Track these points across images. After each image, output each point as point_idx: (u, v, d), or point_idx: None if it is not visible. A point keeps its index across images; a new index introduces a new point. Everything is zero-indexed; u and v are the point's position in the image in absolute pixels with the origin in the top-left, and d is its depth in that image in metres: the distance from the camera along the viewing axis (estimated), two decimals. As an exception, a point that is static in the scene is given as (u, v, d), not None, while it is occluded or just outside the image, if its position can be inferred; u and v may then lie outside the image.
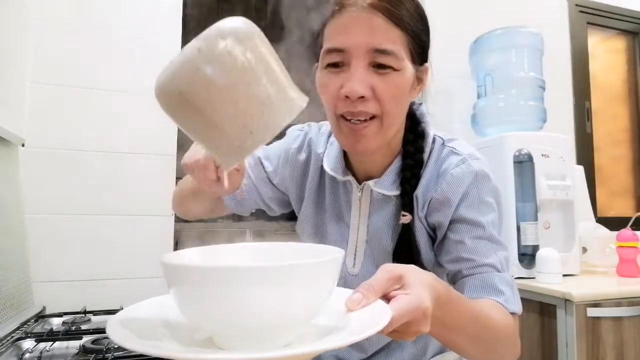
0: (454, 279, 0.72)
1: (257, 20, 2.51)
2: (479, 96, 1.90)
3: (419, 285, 0.45)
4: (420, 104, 0.79)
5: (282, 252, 0.51)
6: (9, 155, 1.28)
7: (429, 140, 0.75)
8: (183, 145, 1.84)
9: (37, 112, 1.45)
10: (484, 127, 1.86)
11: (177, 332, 0.42)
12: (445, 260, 0.72)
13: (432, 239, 0.75)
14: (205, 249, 0.52)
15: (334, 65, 0.64)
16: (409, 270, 0.47)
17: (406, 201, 0.71)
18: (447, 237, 0.71)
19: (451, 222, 0.71)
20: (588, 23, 2.46)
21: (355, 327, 0.40)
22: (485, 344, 0.60)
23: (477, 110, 1.90)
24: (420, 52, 0.67)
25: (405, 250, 0.71)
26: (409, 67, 0.65)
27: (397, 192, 0.73)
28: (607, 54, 2.63)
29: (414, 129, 0.75)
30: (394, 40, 0.62)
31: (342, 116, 0.65)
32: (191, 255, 0.48)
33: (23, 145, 1.40)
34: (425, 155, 0.73)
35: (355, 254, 0.78)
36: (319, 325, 0.44)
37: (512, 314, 0.66)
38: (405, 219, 0.70)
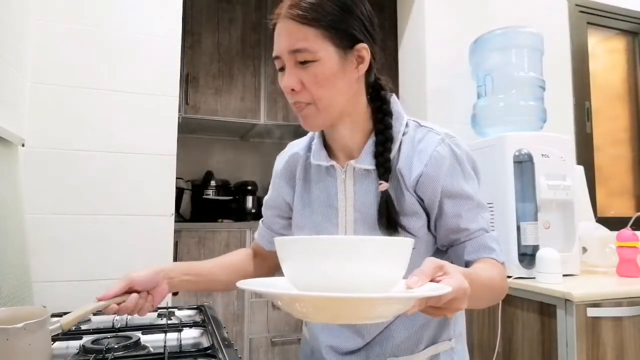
0: (452, 244, 0.83)
1: (257, 20, 2.52)
2: (479, 96, 1.90)
3: (457, 272, 0.57)
4: (392, 94, 0.88)
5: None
6: (9, 155, 1.28)
7: (403, 122, 0.84)
8: (183, 145, 1.84)
9: (37, 112, 1.45)
10: (484, 127, 1.86)
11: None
12: (444, 231, 0.82)
13: (423, 208, 0.82)
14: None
15: (281, 68, 0.79)
16: (448, 262, 0.59)
17: (382, 171, 0.80)
18: (445, 213, 0.81)
19: (444, 197, 0.80)
20: (588, 23, 2.46)
21: (425, 292, 0.50)
22: (491, 298, 0.80)
23: (477, 110, 1.90)
24: (344, 36, 0.76)
25: (386, 216, 0.79)
26: (329, 56, 0.75)
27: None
28: (607, 54, 2.64)
29: (381, 109, 0.84)
30: (305, 38, 0.74)
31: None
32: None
33: (23, 145, 1.40)
34: (400, 135, 0.82)
35: (345, 234, 0.85)
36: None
37: (502, 263, 0.83)
38: (382, 186, 0.79)
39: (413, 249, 0.79)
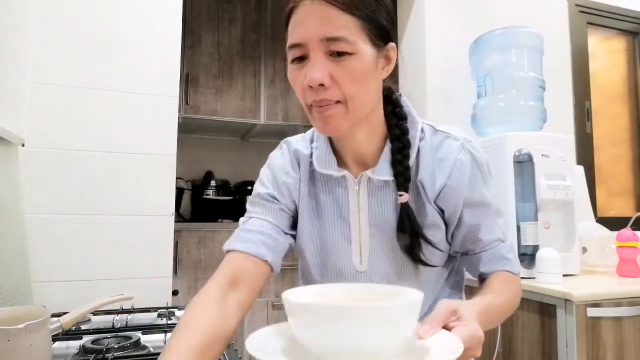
0: (466, 253, 0.81)
1: (257, 20, 2.52)
2: (479, 96, 1.90)
3: (471, 317, 0.55)
4: (400, 95, 0.82)
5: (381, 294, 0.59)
6: (9, 155, 1.28)
7: (418, 127, 0.77)
8: (183, 145, 1.84)
9: (37, 112, 1.45)
10: (484, 127, 1.86)
11: (293, 354, 0.51)
12: (461, 240, 0.79)
13: (443, 219, 0.78)
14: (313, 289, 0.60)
15: (298, 59, 0.68)
16: (462, 305, 0.56)
17: (401, 181, 0.74)
18: (463, 222, 0.77)
19: (465, 207, 0.76)
20: (588, 23, 2.46)
21: (436, 355, 0.48)
22: (507, 315, 0.76)
23: (477, 110, 1.90)
24: (379, 33, 0.69)
25: (407, 230, 0.74)
26: (366, 50, 0.67)
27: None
28: (607, 54, 2.63)
29: (394, 112, 0.78)
30: (345, 27, 0.64)
31: (312, 104, 0.69)
32: (303, 293, 0.57)
33: (23, 145, 1.40)
34: (417, 141, 0.76)
35: (360, 250, 0.79)
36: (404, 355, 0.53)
37: (517, 273, 0.80)
38: (402, 198, 0.73)
39: (429, 266, 0.77)
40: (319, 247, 0.82)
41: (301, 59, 0.67)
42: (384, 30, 0.70)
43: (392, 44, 0.72)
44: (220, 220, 2.54)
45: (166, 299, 1.52)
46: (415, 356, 0.50)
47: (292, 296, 0.51)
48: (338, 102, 0.67)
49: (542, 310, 1.39)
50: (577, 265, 1.61)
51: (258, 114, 2.68)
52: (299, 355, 0.50)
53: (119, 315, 1.20)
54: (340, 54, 0.65)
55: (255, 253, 0.74)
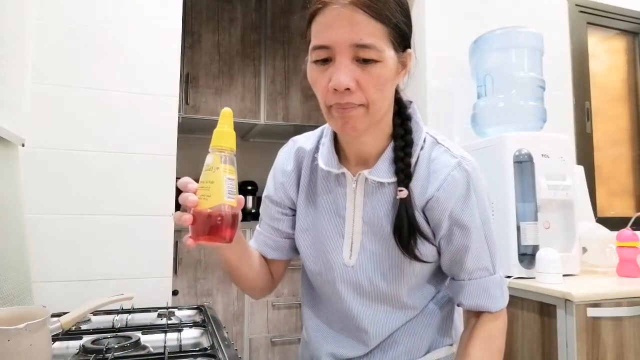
0: (452, 276, 0.82)
1: (257, 20, 2.52)
2: (479, 96, 1.90)
3: None
4: (411, 102, 0.82)
5: None
6: (9, 155, 1.28)
7: (422, 135, 0.78)
8: (183, 145, 1.84)
9: (37, 112, 1.45)
10: (484, 127, 1.86)
11: None
12: (448, 258, 0.79)
13: (430, 227, 0.79)
14: None
15: (322, 60, 0.69)
16: None
17: (401, 177, 0.74)
18: (453, 241, 0.77)
19: (454, 225, 0.76)
20: (588, 23, 2.46)
21: None
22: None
23: (477, 110, 1.90)
24: (401, 40, 0.70)
25: (405, 225, 0.74)
26: (391, 57, 0.68)
27: (392, 179, 0.76)
28: (607, 54, 2.63)
29: (401, 113, 0.79)
30: (374, 34, 0.65)
31: (333, 105, 0.70)
32: None
33: (23, 145, 1.40)
34: (418, 147, 0.77)
35: (351, 246, 0.81)
36: None
37: (501, 310, 0.80)
38: (402, 194, 0.74)
39: (426, 262, 0.78)
40: (313, 237, 0.84)
41: (324, 61, 0.68)
42: (405, 37, 0.71)
43: (409, 51, 0.73)
44: (220, 220, 2.54)
45: (166, 299, 1.52)
46: None
47: None
48: (360, 105, 0.68)
49: (542, 310, 1.39)
50: (577, 265, 1.61)
51: (258, 114, 2.68)
52: None
53: (119, 315, 1.20)
54: (366, 61, 0.66)
55: (262, 252, 0.91)
